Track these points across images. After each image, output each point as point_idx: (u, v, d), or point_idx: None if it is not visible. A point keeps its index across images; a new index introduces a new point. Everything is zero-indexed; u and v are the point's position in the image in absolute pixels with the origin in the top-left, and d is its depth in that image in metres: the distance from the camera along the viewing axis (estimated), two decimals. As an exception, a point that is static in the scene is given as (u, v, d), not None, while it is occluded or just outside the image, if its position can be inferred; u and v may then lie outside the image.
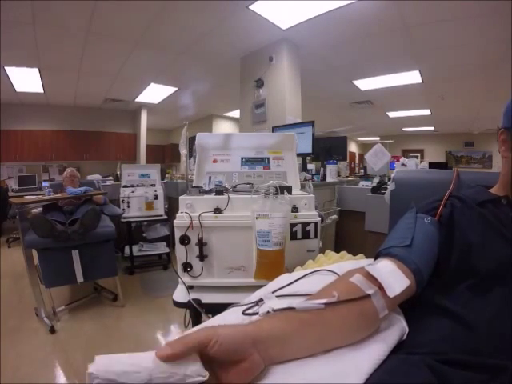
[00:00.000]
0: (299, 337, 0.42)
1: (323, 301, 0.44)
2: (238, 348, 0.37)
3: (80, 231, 1.92)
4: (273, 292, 0.57)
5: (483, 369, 0.39)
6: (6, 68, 3.69)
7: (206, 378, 0.33)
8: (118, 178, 4.06)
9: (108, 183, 3.82)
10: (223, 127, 7.09)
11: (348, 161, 6.23)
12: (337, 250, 0.84)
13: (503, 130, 0.62)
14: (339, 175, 3.62)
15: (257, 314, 0.48)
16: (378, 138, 8.68)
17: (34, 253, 1.96)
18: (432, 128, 8.11)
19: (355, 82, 4.40)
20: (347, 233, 2.38)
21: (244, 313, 0.52)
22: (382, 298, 0.46)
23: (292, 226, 0.90)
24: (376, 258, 0.58)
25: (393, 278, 0.48)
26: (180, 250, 0.91)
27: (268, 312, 0.45)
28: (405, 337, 0.48)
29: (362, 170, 4.99)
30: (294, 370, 0.40)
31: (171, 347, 0.33)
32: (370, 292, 0.46)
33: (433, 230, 0.57)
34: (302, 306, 0.44)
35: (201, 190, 1.01)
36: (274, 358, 0.40)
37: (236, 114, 5.73)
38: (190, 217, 0.89)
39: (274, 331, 0.41)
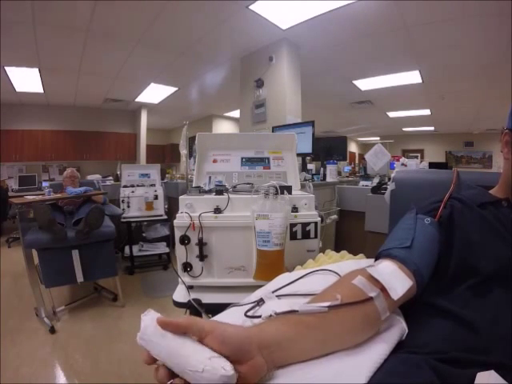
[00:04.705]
0: (303, 340, 0.42)
1: (327, 304, 0.44)
2: (241, 348, 0.36)
3: (85, 230, 1.92)
4: (273, 292, 0.57)
5: (484, 366, 0.39)
6: (6, 68, 3.69)
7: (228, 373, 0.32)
8: (118, 178, 4.06)
9: (108, 183, 3.82)
10: (223, 127, 7.08)
11: (348, 161, 6.24)
12: (337, 250, 0.84)
13: (507, 131, 0.61)
14: (339, 175, 3.62)
15: (259, 316, 0.48)
16: (378, 138, 8.67)
17: (34, 253, 1.95)
18: (432, 128, 8.10)
19: (355, 82, 4.39)
20: (347, 233, 2.38)
21: (246, 315, 0.51)
22: (385, 301, 0.46)
23: (292, 226, 0.89)
24: (376, 259, 0.58)
25: (395, 279, 0.48)
26: (180, 250, 0.91)
27: (271, 315, 0.45)
28: (404, 337, 0.48)
29: (361, 171, 4.98)
30: (297, 371, 0.40)
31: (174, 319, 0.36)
32: (372, 295, 0.46)
33: (433, 231, 0.57)
34: (305, 308, 0.43)
35: (201, 190, 1.01)
36: (277, 361, 0.40)
37: (236, 114, 5.72)
38: (190, 217, 0.89)
39: (278, 335, 0.40)
